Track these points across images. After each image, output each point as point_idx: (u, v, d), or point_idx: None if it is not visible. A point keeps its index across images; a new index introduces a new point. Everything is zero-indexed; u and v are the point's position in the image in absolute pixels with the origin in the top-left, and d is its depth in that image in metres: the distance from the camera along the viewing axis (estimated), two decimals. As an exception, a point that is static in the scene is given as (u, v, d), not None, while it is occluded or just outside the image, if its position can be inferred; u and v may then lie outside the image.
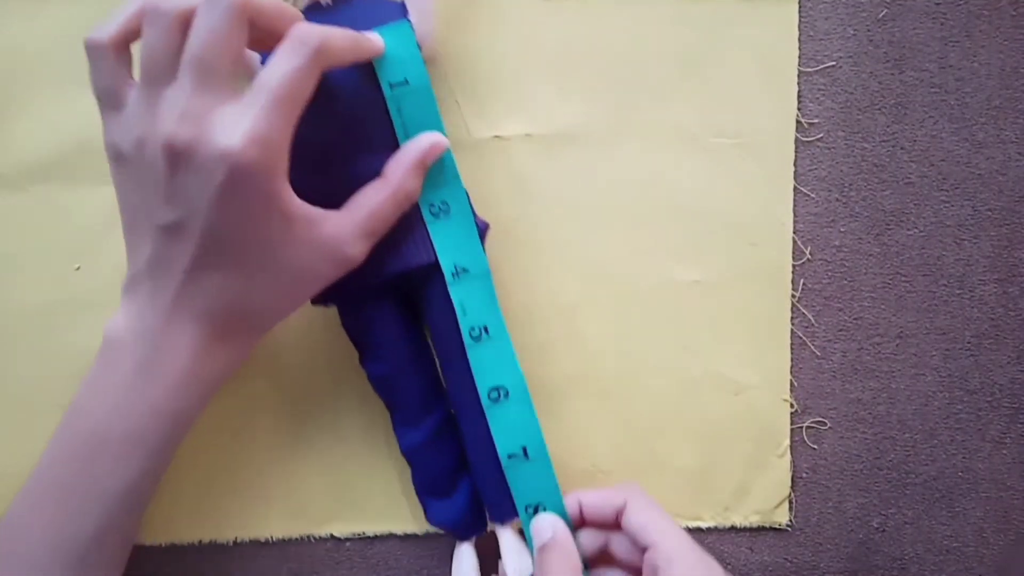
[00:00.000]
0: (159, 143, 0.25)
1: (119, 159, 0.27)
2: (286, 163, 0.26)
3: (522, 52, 0.35)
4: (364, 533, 0.35)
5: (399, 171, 0.29)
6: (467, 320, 0.31)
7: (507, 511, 0.32)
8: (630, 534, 0.30)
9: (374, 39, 0.29)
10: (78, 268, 0.34)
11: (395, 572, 0.35)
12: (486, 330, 0.31)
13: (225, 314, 0.27)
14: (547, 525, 0.30)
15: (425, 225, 0.31)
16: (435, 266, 0.31)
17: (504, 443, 0.31)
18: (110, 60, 0.26)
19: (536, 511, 0.31)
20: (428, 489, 0.33)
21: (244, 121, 0.24)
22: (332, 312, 0.33)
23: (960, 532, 0.35)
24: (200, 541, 0.35)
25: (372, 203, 0.28)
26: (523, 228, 0.35)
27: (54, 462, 0.28)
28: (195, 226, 0.25)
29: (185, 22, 0.25)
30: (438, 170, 0.31)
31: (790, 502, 0.35)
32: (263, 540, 0.35)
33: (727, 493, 0.35)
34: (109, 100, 0.27)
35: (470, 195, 0.32)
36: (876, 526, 0.35)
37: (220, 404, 0.34)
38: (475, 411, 0.31)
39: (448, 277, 0.31)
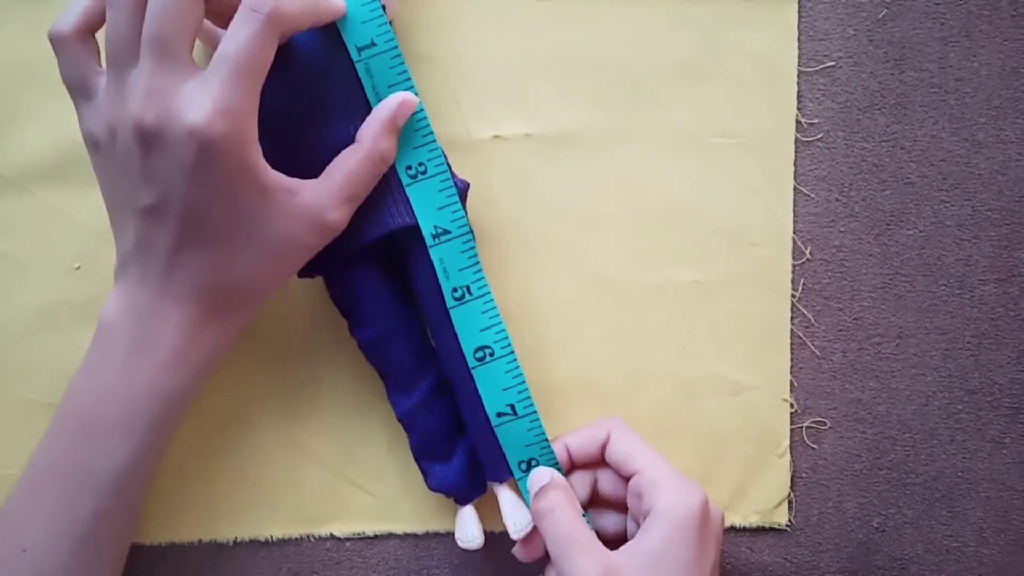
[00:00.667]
0: (129, 126, 0.25)
1: (96, 147, 0.27)
2: (255, 132, 0.26)
3: (522, 52, 0.35)
4: (364, 533, 0.35)
5: (371, 134, 0.29)
6: (449, 282, 0.31)
7: (504, 470, 0.32)
8: (614, 465, 0.31)
9: (333, 1, 0.29)
10: (78, 268, 0.34)
11: (395, 572, 0.35)
12: (468, 290, 0.31)
13: (213, 291, 0.27)
14: (544, 473, 0.31)
15: (403, 188, 0.31)
16: (417, 228, 0.31)
17: (492, 402, 0.31)
18: (76, 50, 0.27)
19: (529, 466, 0.32)
20: (426, 454, 0.33)
21: (208, 95, 0.24)
22: (334, 317, 0.33)
23: (960, 532, 0.35)
24: (200, 541, 0.35)
25: (348, 168, 0.28)
26: (523, 228, 0.35)
27: (51, 447, 0.28)
28: (174, 205, 0.26)
29: (144, 3, 0.25)
30: (413, 131, 0.31)
31: (790, 502, 0.35)
32: (263, 540, 0.35)
33: (727, 493, 0.35)
34: (80, 90, 0.27)
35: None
36: (876, 526, 0.35)
37: (220, 404, 0.34)
38: (466, 372, 0.31)
39: (428, 239, 0.31)
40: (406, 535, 0.35)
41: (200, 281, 0.27)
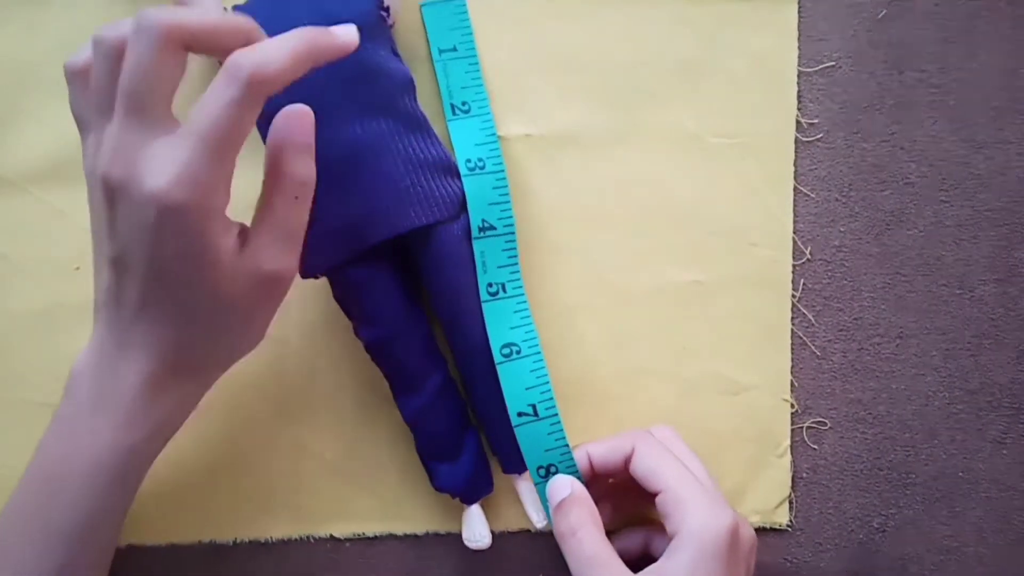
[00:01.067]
0: (98, 177, 0.25)
1: (87, 185, 0.27)
2: (221, 200, 0.25)
3: (522, 52, 0.35)
4: (364, 533, 0.35)
5: (279, 165, 0.26)
6: (486, 276, 0.31)
7: (522, 462, 0.32)
8: (639, 480, 0.30)
9: (342, 35, 0.27)
10: (78, 268, 0.34)
11: (395, 572, 0.35)
12: (504, 288, 0.32)
13: (174, 349, 0.27)
14: (564, 484, 0.30)
15: (415, 187, 0.31)
16: (428, 228, 0.31)
17: (514, 401, 0.31)
18: (80, 86, 0.26)
19: (548, 473, 0.31)
20: (433, 454, 0.33)
21: (172, 160, 0.23)
22: (334, 316, 0.33)
23: (960, 532, 0.35)
24: (200, 541, 0.35)
25: (272, 212, 0.26)
26: (522, 228, 0.35)
27: (17, 502, 0.28)
28: (135, 261, 0.25)
29: (122, 52, 0.24)
30: (478, 130, 0.32)
31: (790, 502, 0.35)
32: (263, 540, 0.35)
33: (727, 493, 0.35)
34: (80, 125, 0.27)
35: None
36: (876, 526, 0.35)
37: (220, 404, 0.34)
38: (486, 367, 0.32)
39: (474, 231, 0.31)
40: (406, 536, 0.35)
41: (161, 337, 0.26)
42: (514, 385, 0.31)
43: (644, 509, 0.32)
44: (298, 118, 0.26)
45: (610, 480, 0.32)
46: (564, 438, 0.31)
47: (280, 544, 0.35)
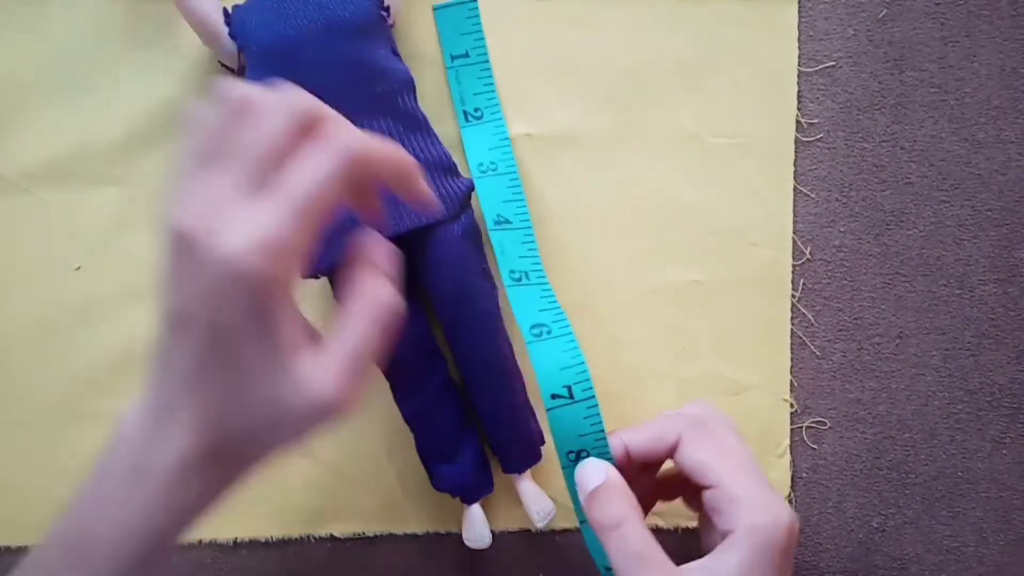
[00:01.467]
0: (175, 223, 0.22)
1: (160, 229, 0.24)
2: (296, 276, 0.23)
3: (522, 52, 0.35)
4: (364, 533, 0.35)
5: (372, 287, 0.25)
6: (507, 263, 0.32)
7: (522, 462, 0.32)
8: (687, 473, 0.28)
9: (416, 183, 0.25)
10: (78, 268, 0.34)
11: (395, 572, 0.35)
12: (526, 276, 0.32)
13: (217, 428, 0.24)
14: (598, 469, 0.28)
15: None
16: (429, 228, 0.31)
17: (548, 382, 0.28)
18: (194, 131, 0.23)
19: (579, 457, 0.28)
20: (433, 454, 0.33)
21: (259, 225, 0.21)
22: (334, 316, 0.33)
23: (960, 532, 0.35)
24: (200, 541, 0.35)
25: (354, 340, 0.24)
26: (523, 228, 0.35)
27: (42, 555, 0.26)
28: (193, 322, 0.23)
29: (245, 114, 0.22)
30: (486, 133, 0.33)
31: (790, 502, 0.35)
32: (263, 540, 0.35)
33: (727, 493, 0.35)
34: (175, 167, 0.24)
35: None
36: (876, 526, 0.35)
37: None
38: (487, 367, 0.32)
39: (490, 224, 0.32)
40: (406, 535, 0.35)
41: (206, 412, 0.24)
42: (547, 365, 0.29)
43: (686, 500, 0.30)
44: (391, 254, 0.25)
45: (646, 469, 0.30)
46: (601, 423, 0.28)
47: (280, 544, 0.35)
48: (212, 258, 0.21)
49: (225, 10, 0.31)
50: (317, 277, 0.31)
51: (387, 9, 0.31)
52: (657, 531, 0.35)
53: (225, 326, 0.22)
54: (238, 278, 0.21)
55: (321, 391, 0.23)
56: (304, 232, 0.22)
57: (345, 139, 0.22)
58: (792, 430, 0.35)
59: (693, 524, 0.35)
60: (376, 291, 0.25)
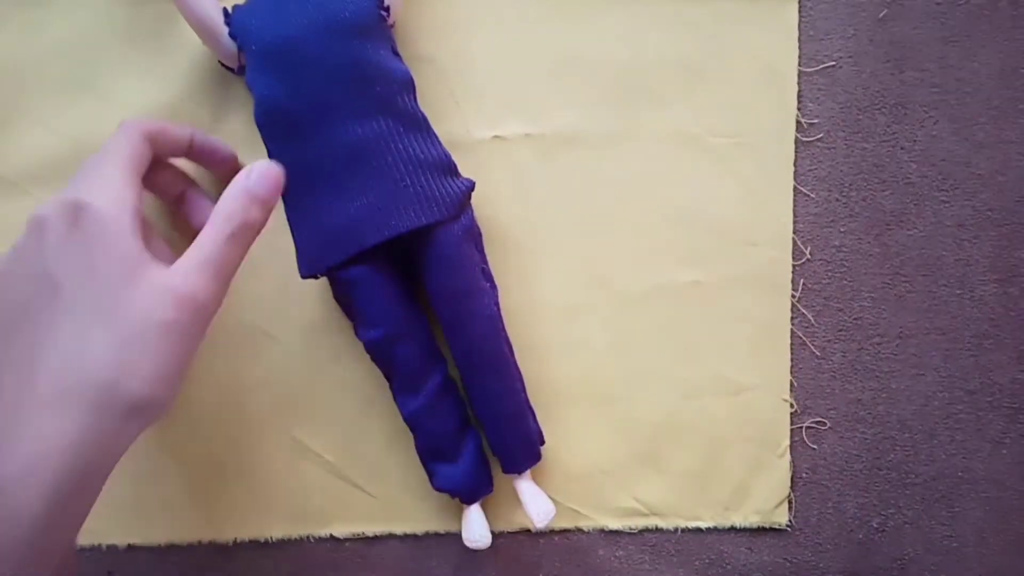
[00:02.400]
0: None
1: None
2: (140, 205, 0.27)
3: (522, 52, 0.35)
4: (364, 533, 0.35)
5: (234, 206, 0.27)
6: None
7: (522, 462, 0.32)
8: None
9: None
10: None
11: (395, 572, 0.35)
12: None
13: (67, 372, 0.24)
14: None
15: (415, 187, 0.30)
16: (427, 229, 0.31)
17: None
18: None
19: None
20: (433, 454, 0.33)
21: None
22: (334, 316, 0.33)
23: (960, 532, 0.35)
24: (200, 541, 0.35)
25: (212, 245, 0.27)
26: (522, 228, 0.35)
27: None
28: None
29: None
30: None
31: (790, 502, 0.35)
32: (263, 540, 0.35)
33: (727, 493, 0.35)
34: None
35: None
36: (876, 526, 0.35)
37: (220, 404, 0.34)
38: (486, 367, 0.32)
39: None
40: (406, 535, 0.35)
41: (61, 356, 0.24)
42: None
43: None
44: (273, 179, 0.29)
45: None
46: None
47: (280, 544, 0.35)
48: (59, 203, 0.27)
49: (225, 10, 0.31)
50: (316, 277, 0.31)
51: (387, 9, 0.31)
52: (657, 531, 0.35)
53: (66, 264, 0.26)
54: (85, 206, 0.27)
55: (176, 285, 0.26)
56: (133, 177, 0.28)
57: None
58: (792, 430, 0.35)
59: (693, 524, 0.35)
60: (228, 204, 0.28)
